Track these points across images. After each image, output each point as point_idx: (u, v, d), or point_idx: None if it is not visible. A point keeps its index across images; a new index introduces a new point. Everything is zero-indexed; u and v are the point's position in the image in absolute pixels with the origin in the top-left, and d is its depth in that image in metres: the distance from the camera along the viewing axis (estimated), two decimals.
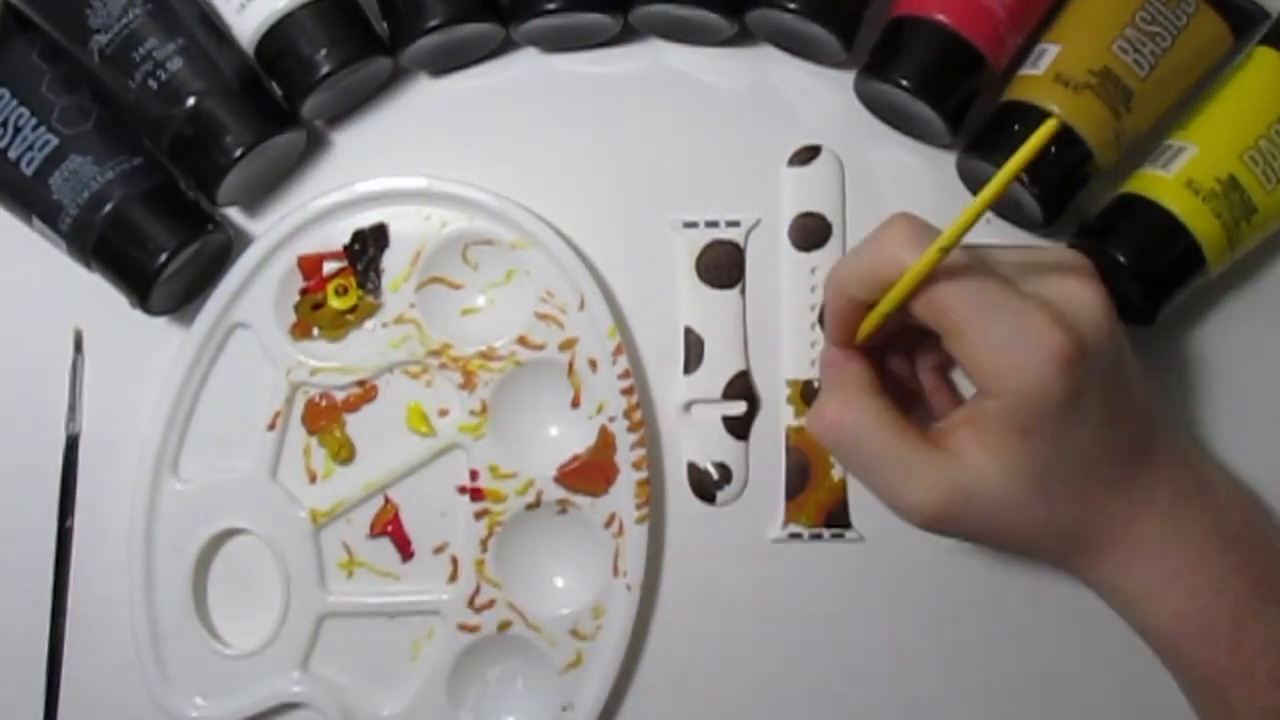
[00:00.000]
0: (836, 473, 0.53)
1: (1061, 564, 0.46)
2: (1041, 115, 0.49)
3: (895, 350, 0.49)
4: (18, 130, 0.47)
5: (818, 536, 0.53)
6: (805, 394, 0.53)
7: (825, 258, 0.53)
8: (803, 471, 0.53)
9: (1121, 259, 0.49)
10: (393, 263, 0.52)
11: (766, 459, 0.53)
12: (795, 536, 0.53)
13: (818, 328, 0.53)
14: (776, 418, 0.54)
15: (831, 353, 0.47)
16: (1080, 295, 0.43)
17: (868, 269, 0.43)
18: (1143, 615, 0.46)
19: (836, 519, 0.53)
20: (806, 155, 0.54)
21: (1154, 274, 0.49)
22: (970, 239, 0.53)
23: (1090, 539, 0.45)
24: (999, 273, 0.43)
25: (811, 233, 0.54)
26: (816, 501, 0.53)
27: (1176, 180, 0.49)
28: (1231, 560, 0.45)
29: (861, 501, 0.53)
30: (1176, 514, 0.45)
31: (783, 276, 0.54)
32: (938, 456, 0.44)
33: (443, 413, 0.52)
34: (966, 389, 0.50)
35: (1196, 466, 0.47)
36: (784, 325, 0.54)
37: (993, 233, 0.54)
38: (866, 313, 0.45)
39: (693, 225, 0.53)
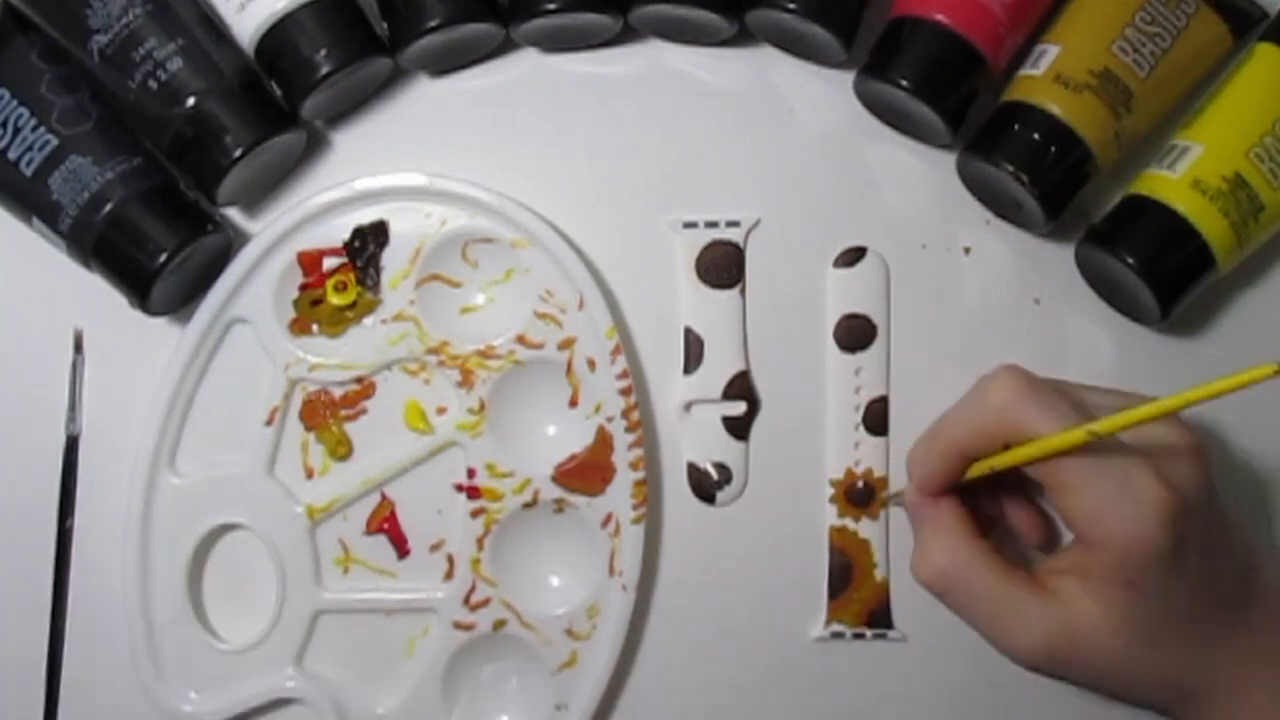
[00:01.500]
0: (879, 573, 0.53)
1: (1168, 710, 0.47)
2: (1042, 115, 0.49)
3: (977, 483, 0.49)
4: (17, 131, 0.48)
5: (860, 636, 0.53)
6: (849, 494, 0.53)
7: (870, 359, 0.53)
8: (845, 572, 0.53)
9: (1130, 261, 0.49)
10: (392, 260, 0.52)
11: (767, 461, 0.53)
12: (837, 636, 0.53)
13: (861, 428, 0.53)
14: (789, 443, 0.53)
15: (919, 495, 0.48)
16: (1178, 446, 0.45)
17: (984, 430, 0.45)
18: None
19: (879, 619, 0.53)
20: (852, 257, 0.53)
21: (1164, 275, 0.49)
22: (982, 244, 0.54)
23: (1196, 689, 0.45)
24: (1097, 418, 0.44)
25: (857, 334, 0.53)
26: (860, 601, 0.53)
27: (1183, 180, 0.49)
28: None
29: (904, 602, 0.53)
30: (1269, 666, 0.46)
31: (828, 377, 0.53)
32: (1046, 602, 0.45)
33: (440, 410, 0.52)
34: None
35: None
36: (829, 426, 0.53)
37: (993, 233, 0.54)
38: (969, 463, 0.46)
39: (692, 225, 0.53)
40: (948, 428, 0.46)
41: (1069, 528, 0.45)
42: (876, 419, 0.53)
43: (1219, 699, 0.45)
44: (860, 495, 0.53)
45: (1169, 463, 0.44)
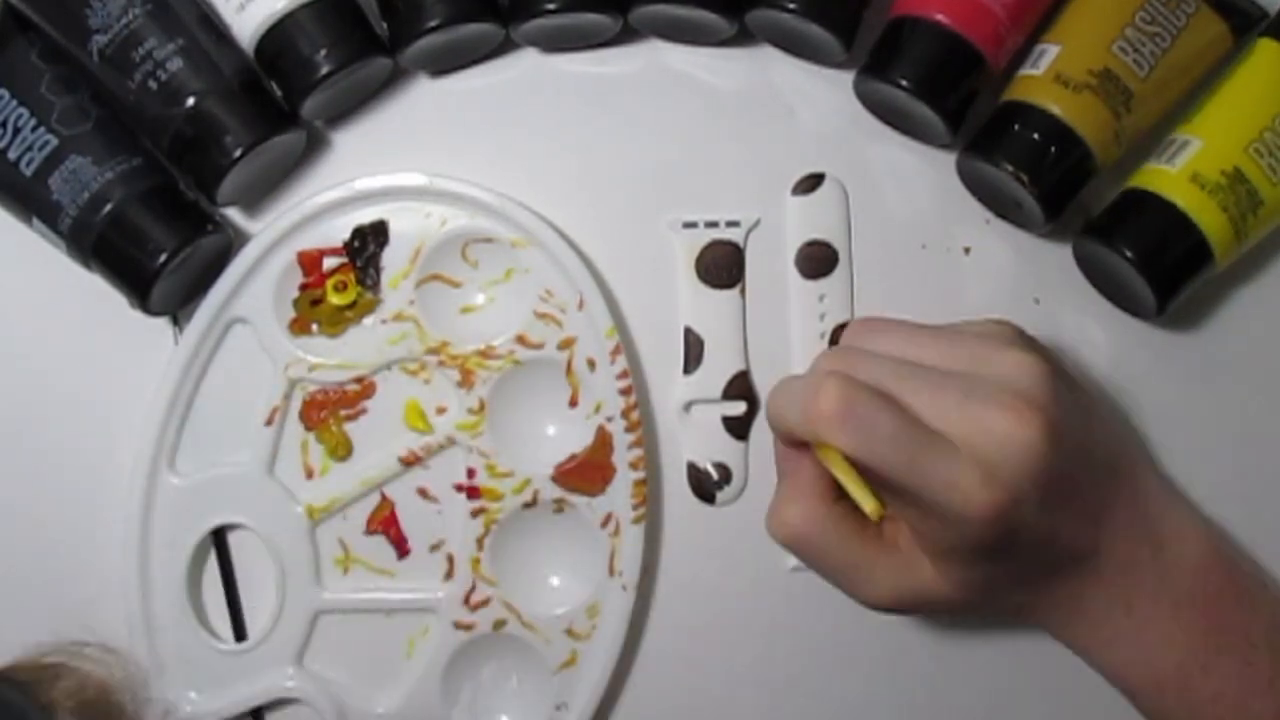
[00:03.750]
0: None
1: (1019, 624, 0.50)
2: (1042, 115, 0.49)
3: None
4: (17, 131, 0.48)
5: None
6: None
7: (832, 285, 0.53)
8: None
9: (1129, 254, 0.49)
10: (392, 260, 0.52)
11: (767, 461, 0.53)
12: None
13: None
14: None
15: (781, 447, 0.48)
16: (1009, 419, 0.43)
17: (799, 419, 0.45)
18: (1093, 665, 0.49)
19: None
20: (810, 184, 0.53)
21: (1161, 269, 0.49)
22: (982, 244, 0.54)
23: (1034, 613, 0.48)
24: (923, 404, 0.43)
25: (818, 261, 0.53)
26: None
27: (1182, 174, 0.49)
28: (1182, 618, 0.46)
29: None
30: (1121, 583, 0.47)
31: (791, 306, 0.54)
32: (892, 561, 0.46)
33: (440, 410, 0.52)
34: None
35: (1156, 519, 0.47)
36: (794, 354, 0.54)
37: (993, 233, 0.54)
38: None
39: (692, 225, 0.53)
40: (776, 402, 0.46)
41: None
42: None
43: (1056, 616, 0.48)
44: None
45: (999, 449, 0.42)
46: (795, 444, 0.47)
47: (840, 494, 0.46)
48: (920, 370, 0.44)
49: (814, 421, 0.43)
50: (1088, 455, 0.45)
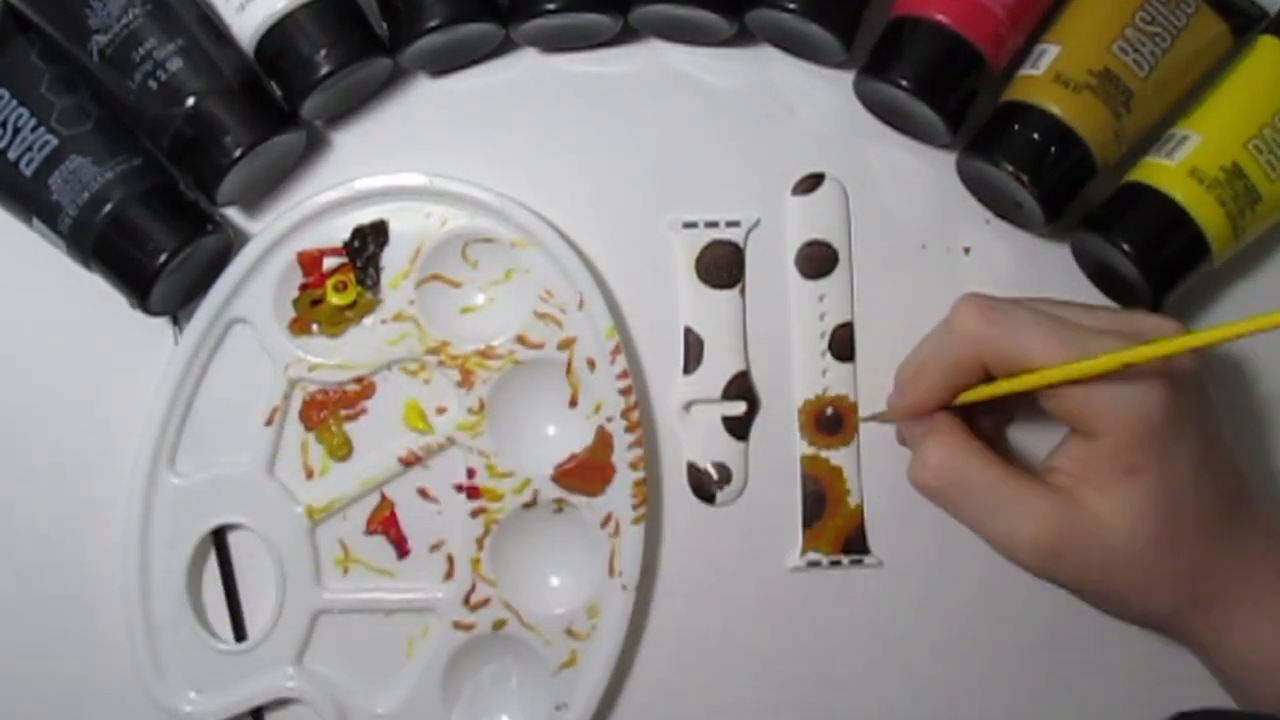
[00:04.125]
0: (853, 499, 0.53)
1: (1174, 619, 0.46)
2: (1042, 115, 0.49)
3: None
4: (17, 131, 0.48)
5: (837, 564, 0.53)
6: (819, 422, 0.53)
7: (832, 285, 0.53)
8: (819, 499, 0.53)
9: (1126, 247, 0.49)
10: (392, 259, 0.52)
11: (767, 461, 0.53)
12: (814, 564, 0.53)
13: (828, 354, 0.53)
14: (789, 445, 0.53)
15: (914, 421, 0.48)
16: (1157, 324, 0.45)
17: (961, 360, 0.45)
18: (1254, 682, 0.45)
19: (854, 545, 0.53)
20: (810, 184, 0.53)
21: (1158, 262, 0.49)
22: (982, 244, 0.54)
23: (1206, 592, 0.45)
24: (1066, 314, 0.44)
25: (818, 261, 0.53)
26: (834, 528, 0.53)
27: (1180, 168, 0.49)
28: None
29: (880, 528, 0.53)
30: (1275, 579, 0.45)
31: (791, 306, 0.54)
32: (1048, 494, 0.44)
33: (440, 410, 0.52)
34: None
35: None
36: (794, 355, 0.54)
37: (993, 233, 0.54)
38: (956, 392, 0.46)
39: (692, 225, 0.53)
40: (932, 362, 0.46)
41: (1070, 423, 0.45)
42: (842, 345, 0.53)
43: (1230, 605, 0.45)
44: (829, 423, 0.53)
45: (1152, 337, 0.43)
46: (930, 397, 0.47)
47: (978, 436, 0.46)
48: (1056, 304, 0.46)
49: (961, 329, 0.44)
50: (1226, 442, 0.46)
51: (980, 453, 0.45)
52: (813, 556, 0.53)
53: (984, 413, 0.49)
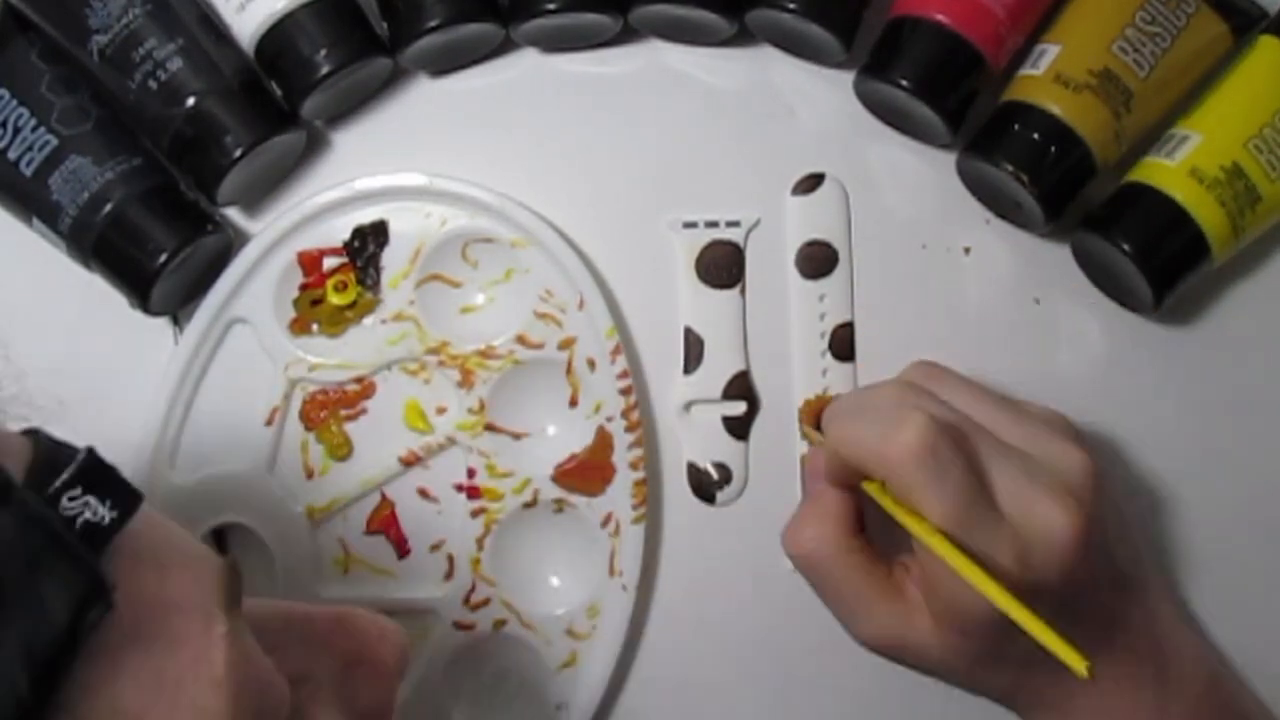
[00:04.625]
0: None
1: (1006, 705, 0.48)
2: (1042, 115, 0.49)
3: None
4: (17, 131, 0.48)
5: None
6: (818, 422, 0.53)
7: (832, 284, 0.53)
8: None
9: (1126, 247, 0.49)
10: (392, 259, 0.52)
11: (767, 461, 0.53)
12: None
13: (828, 355, 0.53)
14: (789, 445, 0.53)
15: (814, 466, 0.48)
16: (1056, 510, 0.43)
17: (868, 462, 0.44)
18: None
19: None
20: (810, 184, 0.54)
21: (1158, 263, 0.49)
22: (982, 244, 0.54)
23: (1021, 705, 0.47)
24: (989, 462, 0.43)
25: (818, 261, 0.53)
26: None
27: (1181, 168, 0.49)
28: None
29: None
30: (1115, 696, 0.46)
31: (791, 306, 0.54)
32: (893, 607, 0.46)
33: (440, 410, 0.52)
34: None
35: (1163, 637, 0.47)
36: (794, 355, 0.54)
37: (993, 233, 0.54)
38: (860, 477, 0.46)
39: (692, 225, 0.53)
40: (840, 436, 0.45)
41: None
42: (843, 345, 0.53)
43: (1041, 711, 0.47)
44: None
45: (1038, 541, 0.42)
46: (839, 472, 0.46)
47: (859, 528, 0.47)
48: (988, 435, 0.44)
49: (891, 452, 0.43)
50: (1109, 562, 0.45)
51: (850, 553, 0.46)
52: None
53: None
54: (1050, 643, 0.38)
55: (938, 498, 0.42)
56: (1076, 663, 0.37)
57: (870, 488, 0.45)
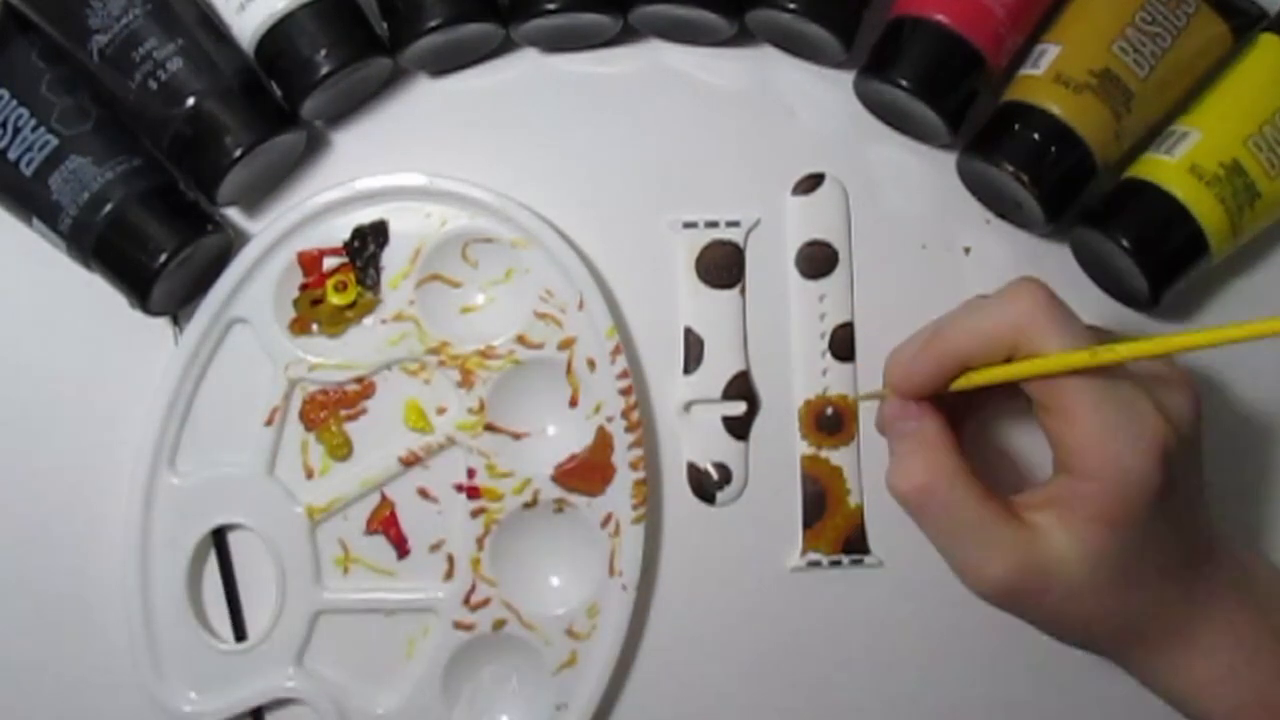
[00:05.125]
0: (853, 499, 0.53)
1: (1115, 656, 0.46)
2: (1042, 115, 0.49)
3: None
4: (17, 131, 0.48)
5: (837, 564, 0.53)
6: (819, 422, 0.53)
7: (833, 285, 0.53)
8: (819, 500, 0.53)
9: (1124, 243, 0.49)
10: (392, 260, 0.52)
11: (767, 461, 0.53)
12: (814, 564, 0.53)
13: (828, 354, 0.53)
14: (789, 445, 0.53)
15: (901, 405, 0.46)
16: (1174, 381, 0.44)
17: (993, 337, 0.43)
18: (1196, 711, 0.45)
19: (855, 545, 0.53)
20: (810, 184, 0.54)
21: (1157, 259, 0.49)
22: (982, 244, 0.54)
23: (1150, 633, 0.45)
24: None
25: (818, 261, 0.53)
26: (834, 529, 0.53)
27: (1180, 165, 0.49)
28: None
29: (879, 528, 0.53)
30: (1233, 613, 0.45)
31: (791, 305, 0.54)
32: (1019, 531, 0.43)
33: (440, 410, 0.52)
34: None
35: (1245, 563, 0.47)
36: (794, 355, 0.54)
37: (993, 233, 0.54)
38: (963, 371, 0.44)
39: (692, 225, 0.53)
40: (951, 331, 0.44)
41: (1059, 455, 0.43)
42: (843, 345, 0.53)
43: (1170, 646, 0.45)
44: (829, 423, 0.53)
45: (1167, 397, 0.43)
46: (913, 396, 0.45)
47: (963, 453, 0.45)
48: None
49: (1014, 308, 0.42)
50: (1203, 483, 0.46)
51: (964, 477, 0.44)
52: (813, 557, 0.53)
53: (969, 416, 0.49)
54: (1259, 327, 0.37)
55: (1076, 333, 0.42)
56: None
57: (972, 378, 0.44)
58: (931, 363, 0.45)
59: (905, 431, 0.46)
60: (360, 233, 0.52)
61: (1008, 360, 0.43)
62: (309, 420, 0.52)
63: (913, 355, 0.45)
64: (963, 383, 0.44)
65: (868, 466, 0.53)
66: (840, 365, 0.53)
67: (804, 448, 0.53)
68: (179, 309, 0.52)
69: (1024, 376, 0.43)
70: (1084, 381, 0.42)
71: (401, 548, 0.52)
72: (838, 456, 0.53)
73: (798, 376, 0.53)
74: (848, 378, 0.53)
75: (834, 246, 0.53)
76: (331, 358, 0.52)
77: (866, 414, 0.53)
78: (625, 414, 0.51)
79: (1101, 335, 0.45)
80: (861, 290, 0.54)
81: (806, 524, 0.53)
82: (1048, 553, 0.43)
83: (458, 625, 0.51)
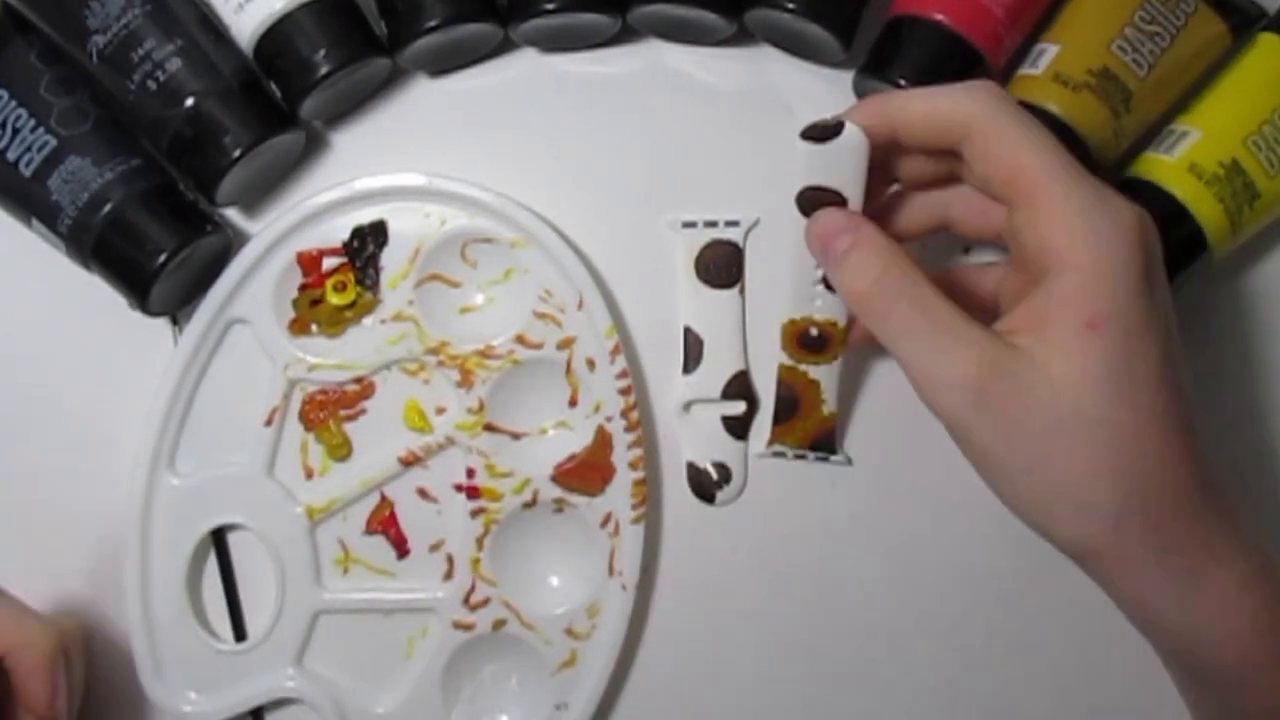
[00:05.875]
0: (827, 408, 0.52)
1: (1110, 541, 0.39)
2: (1041, 115, 0.49)
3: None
4: (16, 131, 0.48)
5: (801, 457, 0.53)
6: (801, 340, 0.51)
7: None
8: (792, 404, 0.52)
9: None
10: (391, 260, 0.52)
11: (767, 461, 0.53)
12: (779, 455, 0.53)
13: (820, 285, 0.49)
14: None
15: (842, 215, 0.43)
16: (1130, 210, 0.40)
17: (946, 116, 0.41)
18: (1210, 638, 0.40)
19: (822, 444, 0.53)
20: (824, 132, 0.45)
21: None
22: (982, 246, 0.54)
23: (1156, 504, 0.39)
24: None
25: (822, 205, 0.50)
26: (804, 429, 0.53)
27: (1179, 164, 0.49)
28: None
29: (852, 437, 0.53)
30: (1244, 528, 0.40)
31: (790, 239, 0.48)
32: (988, 333, 0.39)
33: (440, 410, 0.52)
34: None
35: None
36: (786, 281, 0.49)
37: None
38: (895, 162, 0.42)
39: (692, 225, 0.53)
40: (902, 98, 0.42)
41: (1029, 256, 0.40)
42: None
43: (1175, 527, 0.39)
44: (813, 342, 0.50)
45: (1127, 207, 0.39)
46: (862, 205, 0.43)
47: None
48: None
49: (970, 96, 0.40)
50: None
51: (923, 273, 0.40)
52: (778, 448, 0.53)
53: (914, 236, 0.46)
54: None
55: (1035, 130, 0.39)
56: None
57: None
58: (870, 116, 0.42)
59: (855, 240, 0.42)
60: (359, 233, 0.52)
61: (949, 152, 0.41)
62: (308, 420, 0.52)
63: (852, 107, 0.42)
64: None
65: (847, 385, 0.52)
66: (832, 296, 0.49)
67: (783, 358, 0.51)
68: (179, 309, 0.52)
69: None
70: (1054, 170, 0.39)
71: (401, 548, 0.52)
72: (817, 371, 0.51)
73: (787, 299, 0.50)
74: (838, 306, 0.49)
75: (842, 195, 0.46)
76: (331, 358, 0.52)
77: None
78: (625, 414, 0.51)
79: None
80: None
81: (776, 421, 0.53)
82: (1023, 359, 0.38)
83: (457, 625, 0.51)
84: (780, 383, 0.52)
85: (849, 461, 0.53)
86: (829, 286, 0.50)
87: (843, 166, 0.46)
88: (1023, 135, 0.40)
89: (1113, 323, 0.38)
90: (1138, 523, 0.39)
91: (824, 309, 0.50)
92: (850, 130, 0.44)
